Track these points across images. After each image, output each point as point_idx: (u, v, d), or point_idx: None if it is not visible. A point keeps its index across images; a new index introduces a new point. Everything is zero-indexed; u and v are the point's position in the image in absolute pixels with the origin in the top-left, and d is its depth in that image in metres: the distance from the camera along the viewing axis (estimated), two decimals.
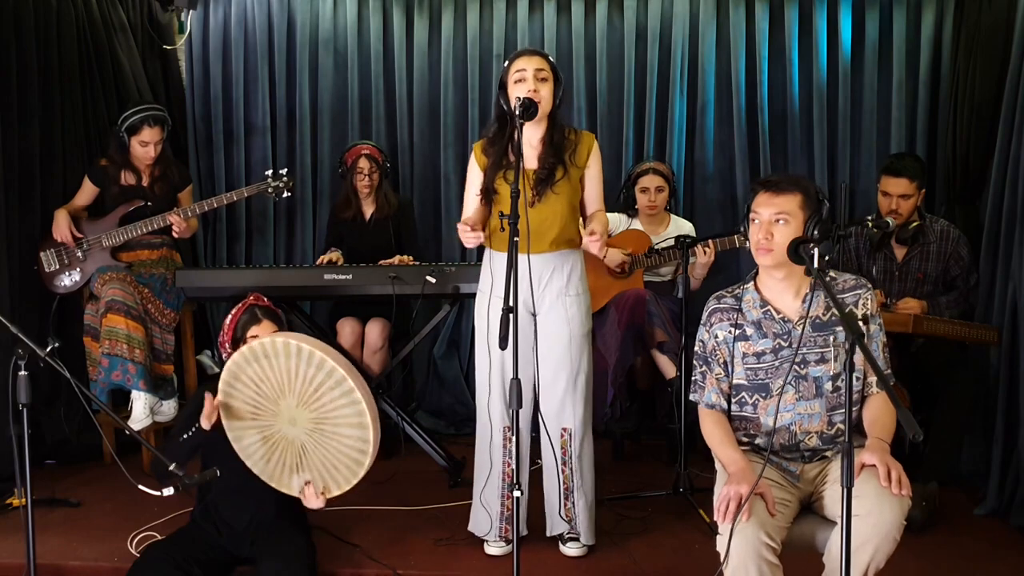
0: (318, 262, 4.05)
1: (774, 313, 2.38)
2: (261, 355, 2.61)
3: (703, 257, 3.76)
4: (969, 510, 3.40)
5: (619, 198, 4.22)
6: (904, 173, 3.55)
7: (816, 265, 2.17)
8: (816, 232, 2.30)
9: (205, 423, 2.67)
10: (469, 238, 2.86)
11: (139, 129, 3.91)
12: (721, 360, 2.43)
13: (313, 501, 2.72)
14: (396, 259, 3.92)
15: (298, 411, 2.65)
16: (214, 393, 2.69)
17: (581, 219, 3.10)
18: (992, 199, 3.61)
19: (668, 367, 3.88)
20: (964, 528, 3.24)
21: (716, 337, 2.43)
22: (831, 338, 2.33)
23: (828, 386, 2.34)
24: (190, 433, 2.70)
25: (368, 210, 4.29)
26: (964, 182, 4.02)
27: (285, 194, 4.13)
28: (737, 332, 2.40)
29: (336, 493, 2.74)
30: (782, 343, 2.36)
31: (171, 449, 2.72)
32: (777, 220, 2.32)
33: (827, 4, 4.48)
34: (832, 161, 4.57)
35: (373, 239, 4.21)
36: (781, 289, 2.38)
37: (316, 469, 2.71)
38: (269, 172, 4.12)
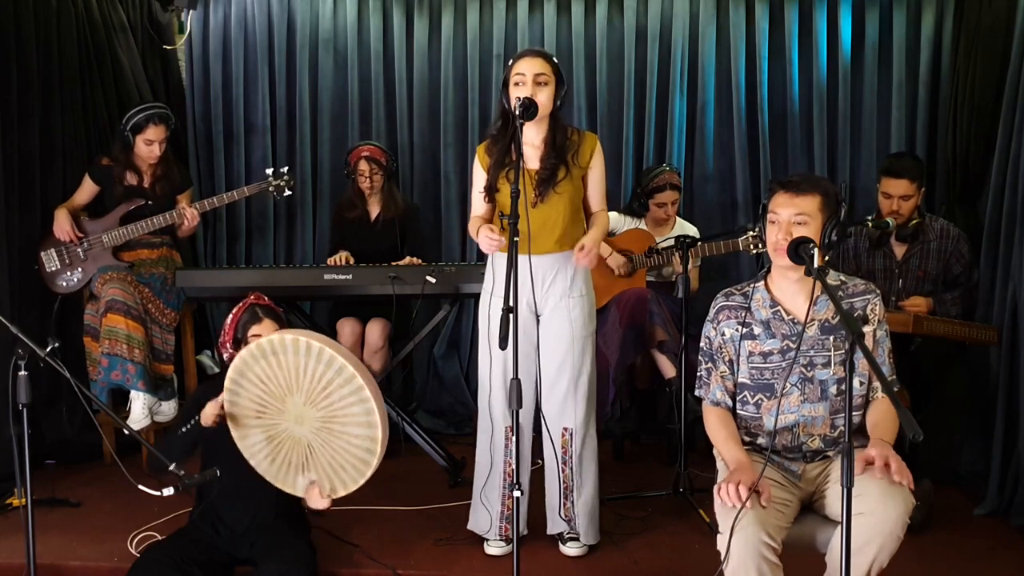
0: (330, 261, 4.02)
1: (784, 314, 2.38)
2: (269, 352, 2.60)
3: (679, 266, 3.74)
4: (969, 510, 3.39)
5: (632, 203, 4.19)
6: (904, 174, 3.56)
7: (816, 265, 2.17)
8: (834, 235, 2.30)
9: (206, 420, 2.65)
10: (493, 242, 2.84)
11: (144, 127, 3.92)
12: (727, 358, 2.43)
13: (318, 502, 2.70)
14: (406, 260, 3.91)
15: (305, 409, 2.64)
16: (215, 394, 2.69)
17: (585, 220, 3.11)
18: (992, 199, 3.61)
19: (667, 367, 3.88)
20: (964, 528, 3.24)
21: (723, 334, 2.43)
22: (839, 341, 2.33)
23: (833, 390, 2.34)
24: (187, 427, 2.69)
25: (374, 210, 4.27)
26: (964, 182, 4.02)
27: (286, 192, 4.13)
28: (744, 331, 2.40)
29: (342, 493, 2.72)
30: (790, 344, 2.35)
31: (167, 443, 2.71)
32: (797, 221, 2.31)
33: (827, 4, 4.49)
34: (832, 161, 4.57)
35: (380, 240, 4.20)
36: (794, 291, 2.37)
37: (323, 469, 2.70)
38: (270, 171, 4.12)
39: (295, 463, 2.71)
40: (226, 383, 2.66)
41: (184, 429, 2.70)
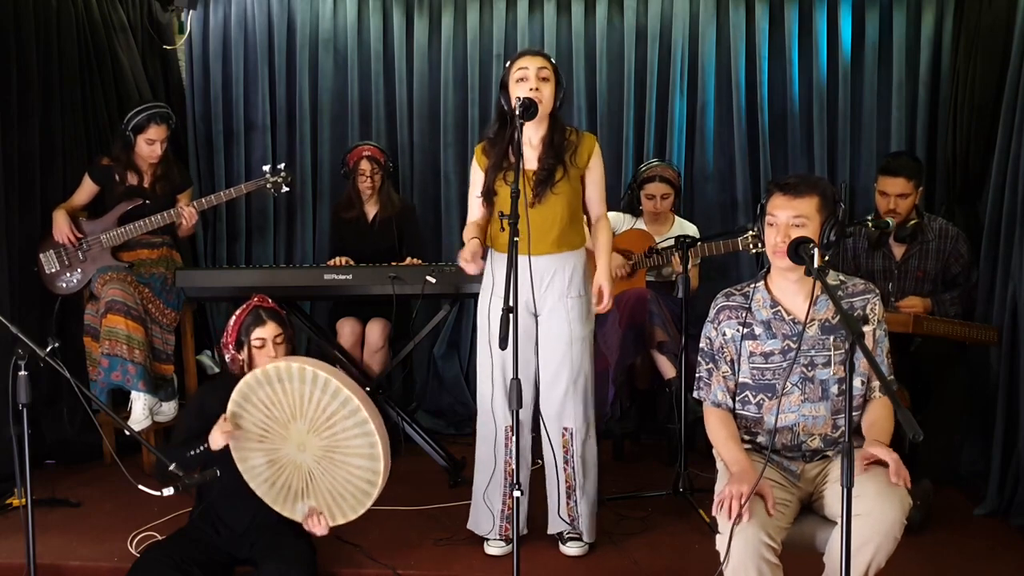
0: (331, 263, 4.00)
1: (784, 314, 2.38)
2: (275, 379, 2.60)
3: (678, 266, 3.75)
4: (969, 510, 3.39)
5: (624, 198, 4.23)
6: (901, 172, 3.56)
7: (816, 265, 2.17)
8: (833, 236, 2.31)
9: (216, 445, 2.65)
10: (468, 268, 2.93)
11: (145, 127, 3.92)
12: (728, 358, 2.43)
13: (318, 529, 2.72)
14: (407, 261, 3.90)
15: (308, 437, 2.64)
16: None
17: (586, 219, 3.11)
18: (992, 199, 3.61)
19: (667, 367, 3.88)
20: (964, 528, 3.24)
21: (724, 335, 2.43)
22: (839, 341, 2.33)
23: (834, 389, 2.34)
24: (199, 450, 2.68)
25: (371, 211, 4.28)
26: (964, 182, 4.02)
27: (284, 189, 4.11)
28: (745, 331, 2.40)
29: (340, 522, 2.72)
30: (791, 344, 2.35)
31: (177, 461, 2.70)
32: (795, 223, 2.30)
33: (827, 4, 4.49)
34: (832, 161, 4.57)
35: (378, 240, 4.20)
36: (794, 291, 2.37)
37: (322, 496, 2.70)
38: (267, 167, 4.11)
39: (295, 488, 2.71)
40: (230, 404, 2.66)
41: (194, 452, 2.68)
